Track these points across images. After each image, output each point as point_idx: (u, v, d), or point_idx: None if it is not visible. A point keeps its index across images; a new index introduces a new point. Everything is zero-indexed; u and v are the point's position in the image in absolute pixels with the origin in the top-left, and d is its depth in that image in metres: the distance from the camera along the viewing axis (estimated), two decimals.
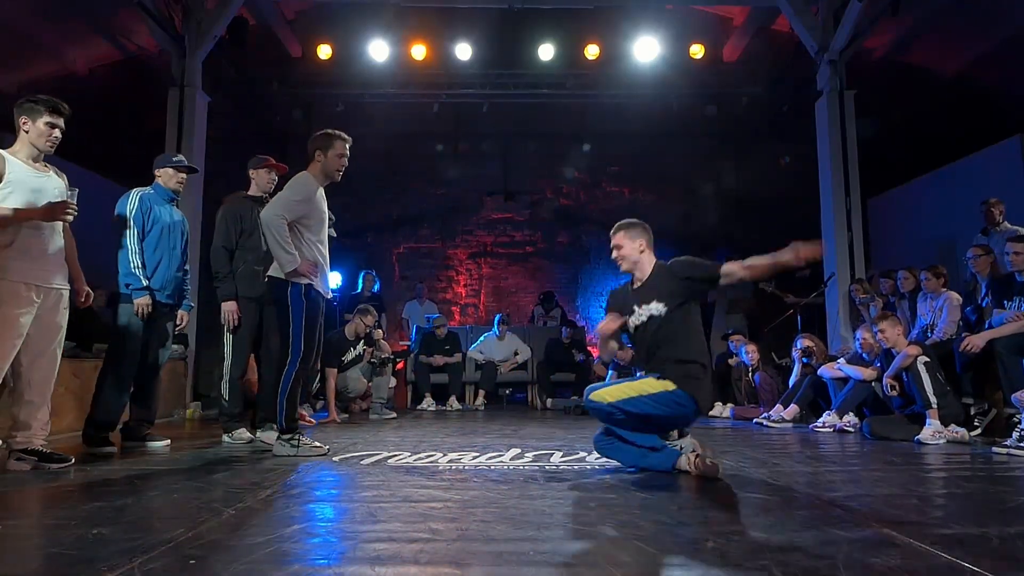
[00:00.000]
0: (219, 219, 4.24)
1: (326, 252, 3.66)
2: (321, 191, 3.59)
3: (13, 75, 8.04)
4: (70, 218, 3.08)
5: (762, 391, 6.21)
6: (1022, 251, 4.41)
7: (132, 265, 3.76)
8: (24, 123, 3.03)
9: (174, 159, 4.05)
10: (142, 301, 3.74)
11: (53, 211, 3.00)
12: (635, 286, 3.18)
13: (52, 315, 3.10)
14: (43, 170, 3.12)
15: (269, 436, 3.72)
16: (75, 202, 3.08)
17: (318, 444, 3.55)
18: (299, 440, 3.49)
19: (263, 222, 3.40)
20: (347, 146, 3.57)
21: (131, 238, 3.79)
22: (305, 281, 3.44)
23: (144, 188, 3.95)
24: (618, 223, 3.24)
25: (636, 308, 3.09)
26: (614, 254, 3.21)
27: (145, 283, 3.77)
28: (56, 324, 3.13)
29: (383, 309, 7.92)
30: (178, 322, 4.14)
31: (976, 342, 4.34)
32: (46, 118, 3.03)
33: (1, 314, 2.88)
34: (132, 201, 3.84)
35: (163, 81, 7.28)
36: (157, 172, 3.99)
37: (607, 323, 3.13)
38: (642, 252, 3.17)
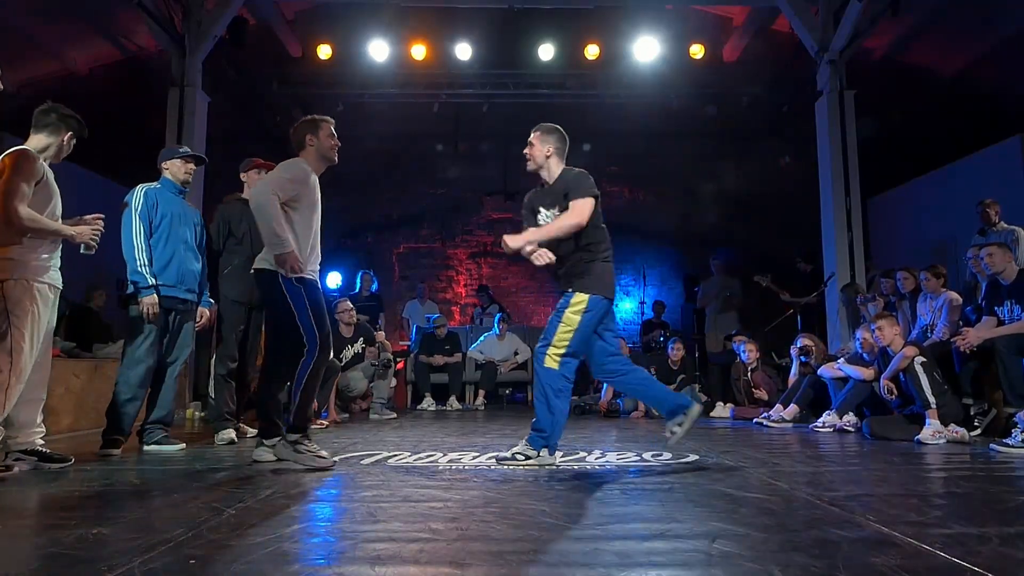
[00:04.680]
0: (214, 220, 4.31)
1: (318, 245, 3.30)
2: (316, 180, 3.26)
3: (13, 75, 8.02)
4: (94, 244, 3.14)
5: (758, 393, 6.20)
6: (995, 251, 4.42)
7: (138, 263, 3.66)
8: (52, 132, 3.09)
9: (180, 150, 3.98)
10: (148, 300, 3.64)
11: (85, 234, 3.09)
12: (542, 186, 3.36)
13: (52, 314, 3.12)
14: None
15: (260, 454, 3.27)
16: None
17: (324, 455, 3.13)
18: (304, 446, 3.10)
19: (252, 203, 3.10)
20: (332, 128, 3.32)
21: (136, 235, 3.69)
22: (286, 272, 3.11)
23: (150, 184, 3.86)
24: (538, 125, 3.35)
25: (542, 210, 3.29)
26: (525, 150, 3.34)
27: (152, 281, 3.66)
28: (51, 323, 3.15)
29: (382, 308, 7.93)
30: (198, 318, 4.01)
31: (971, 339, 4.34)
32: (68, 136, 3.12)
33: (33, 315, 2.91)
34: (137, 197, 3.75)
35: (163, 81, 7.28)
36: (164, 165, 3.91)
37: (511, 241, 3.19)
38: (548, 157, 3.29)
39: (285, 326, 3.14)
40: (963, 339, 4.38)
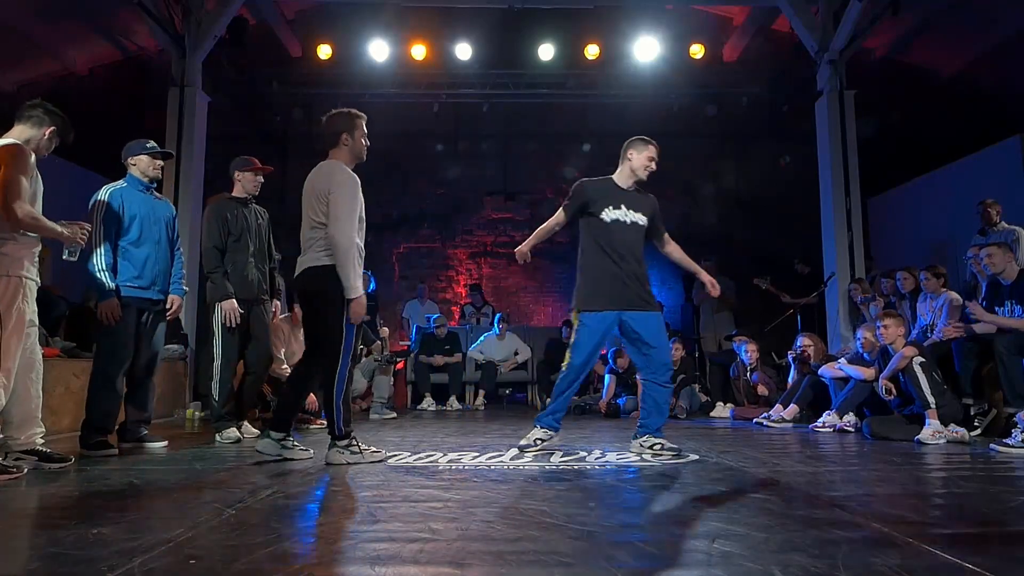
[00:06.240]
0: (205, 220, 4.24)
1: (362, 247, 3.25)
2: None
3: (13, 75, 8.05)
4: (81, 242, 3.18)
5: (759, 390, 6.20)
6: (995, 252, 4.42)
7: (97, 268, 3.57)
8: (35, 124, 3.07)
9: (147, 145, 3.84)
10: (106, 306, 3.56)
11: (76, 234, 3.12)
12: (627, 188, 3.74)
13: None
14: None
15: (265, 445, 3.26)
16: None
17: (376, 449, 3.35)
18: (359, 446, 3.22)
19: (339, 246, 3.02)
20: (365, 124, 3.32)
21: (98, 238, 3.58)
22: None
23: (115, 184, 3.77)
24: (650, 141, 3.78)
25: (623, 207, 3.66)
26: (652, 165, 3.77)
27: (112, 286, 3.58)
28: (34, 318, 3.12)
29: (378, 308, 7.92)
30: (169, 306, 3.90)
31: (978, 318, 4.40)
32: (50, 131, 3.09)
33: (20, 310, 2.92)
34: (101, 203, 3.65)
35: (163, 81, 7.28)
36: (131, 161, 3.80)
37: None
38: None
39: (330, 328, 3.10)
40: (955, 327, 4.43)
